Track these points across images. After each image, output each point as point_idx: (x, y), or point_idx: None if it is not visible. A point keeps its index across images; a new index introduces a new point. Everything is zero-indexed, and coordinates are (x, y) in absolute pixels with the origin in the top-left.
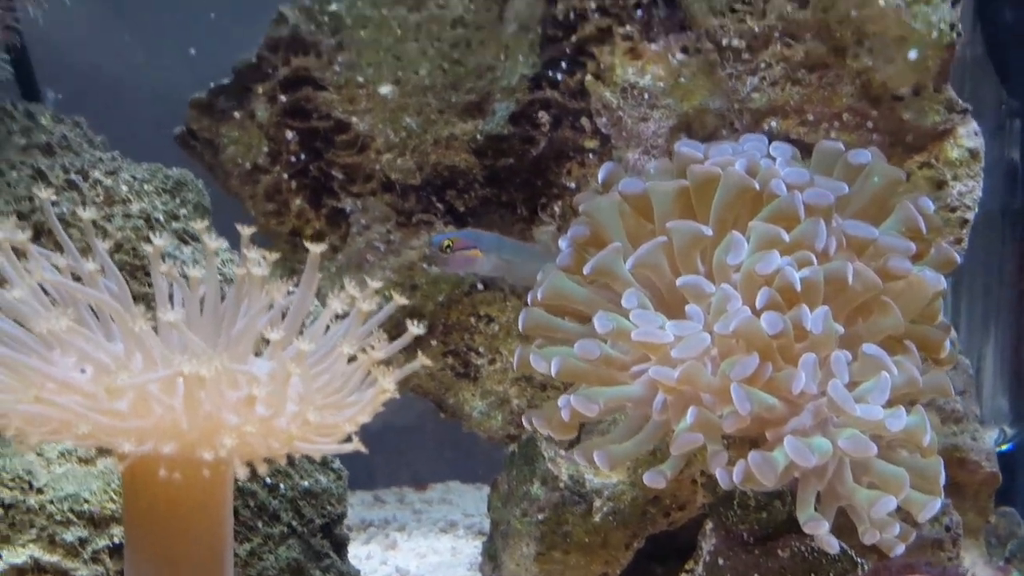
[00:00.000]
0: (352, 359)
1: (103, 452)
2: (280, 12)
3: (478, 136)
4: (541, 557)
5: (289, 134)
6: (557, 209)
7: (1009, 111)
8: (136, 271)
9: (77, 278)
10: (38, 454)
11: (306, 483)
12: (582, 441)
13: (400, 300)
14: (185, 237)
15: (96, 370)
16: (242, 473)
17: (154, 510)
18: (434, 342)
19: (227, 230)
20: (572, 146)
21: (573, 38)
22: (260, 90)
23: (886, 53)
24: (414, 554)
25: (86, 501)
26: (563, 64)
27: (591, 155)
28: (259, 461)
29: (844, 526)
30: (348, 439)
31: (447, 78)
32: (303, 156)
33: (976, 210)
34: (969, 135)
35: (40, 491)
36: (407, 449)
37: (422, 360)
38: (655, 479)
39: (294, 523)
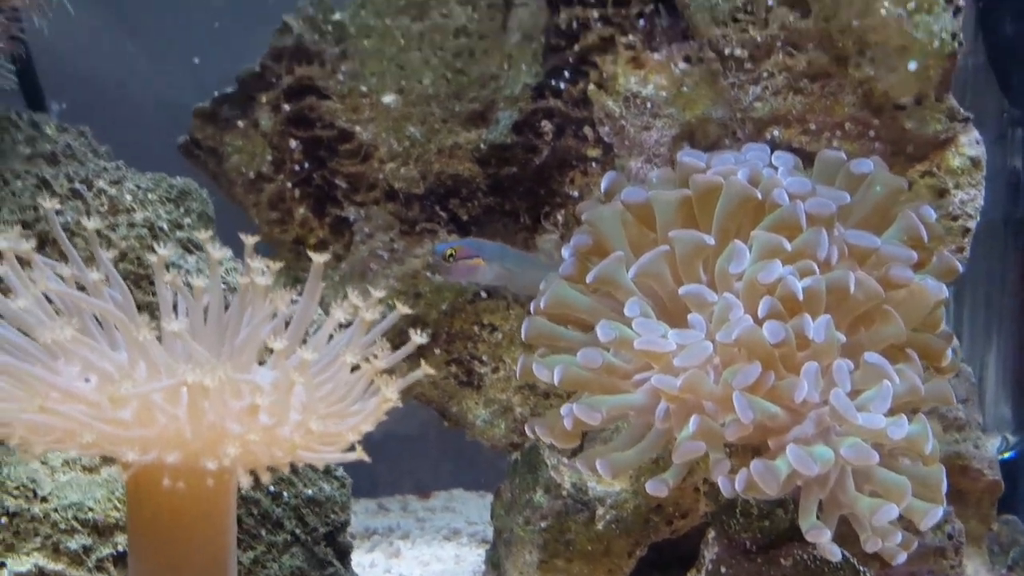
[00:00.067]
0: (355, 368)
1: (107, 460)
2: (284, 22)
3: (481, 145)
4: (544, 565)
5: (293, 143)
6: (560, 218)
7: (1011, 120)
8: (140, 280)
9: (81, 287)
10: (42, 463)
11: (310, 491)
12: (585, 449)
13: (403, 309)
14: (189, 246)
15: (100, 379)
16: (245, 482)
17: (158, 519)
18: (437, 351)
19: (231, 239)
20: (575, 155)
21: (576, 47)
22: (264, 99)
23: (888, 62)
24: (418, 562)
25: (90, 509)
26: (566, 73)
27: (594, 164)
28: (262, 470)
29: (846, 534)
30: (351, 448)
31: (450, 87)
32: (307, 165)
33: (978, 219)
34: (971, 144)
35: (44, 499)
36: (411, 457)
37: (425, 369)
38: (658, 487)
39: (298, 531)
